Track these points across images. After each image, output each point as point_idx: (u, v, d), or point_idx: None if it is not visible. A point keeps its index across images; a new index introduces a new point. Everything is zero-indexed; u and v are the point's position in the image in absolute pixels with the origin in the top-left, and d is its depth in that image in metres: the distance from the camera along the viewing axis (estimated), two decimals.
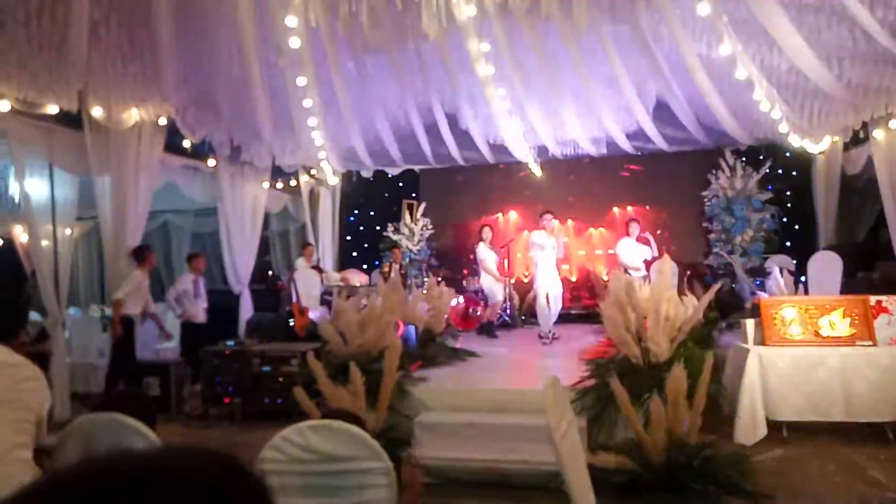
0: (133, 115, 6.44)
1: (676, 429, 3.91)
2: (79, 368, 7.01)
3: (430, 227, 11.37)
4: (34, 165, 6.12)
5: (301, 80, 6.84)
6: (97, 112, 6.12)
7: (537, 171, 10.38)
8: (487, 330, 8.73)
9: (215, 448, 0.68)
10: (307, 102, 7.30)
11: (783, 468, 4.38)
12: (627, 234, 8.77)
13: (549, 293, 7.86)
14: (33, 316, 7.05)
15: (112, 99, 6.18)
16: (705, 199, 10.07)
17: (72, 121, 6.07)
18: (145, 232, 7.52)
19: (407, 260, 10.90)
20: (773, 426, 4.88)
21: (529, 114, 8.50)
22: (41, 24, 5.19)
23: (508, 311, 9.78)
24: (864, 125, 7.13)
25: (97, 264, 10.31)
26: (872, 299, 5.07)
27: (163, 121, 6.72)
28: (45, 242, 6.27)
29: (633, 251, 8.61)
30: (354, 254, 11.74)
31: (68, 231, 6.70)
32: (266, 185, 9.19)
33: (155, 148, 6.78)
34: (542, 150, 9.58)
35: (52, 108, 5.75)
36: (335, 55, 6.93)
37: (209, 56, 6.57)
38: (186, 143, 7.44)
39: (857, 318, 5.02)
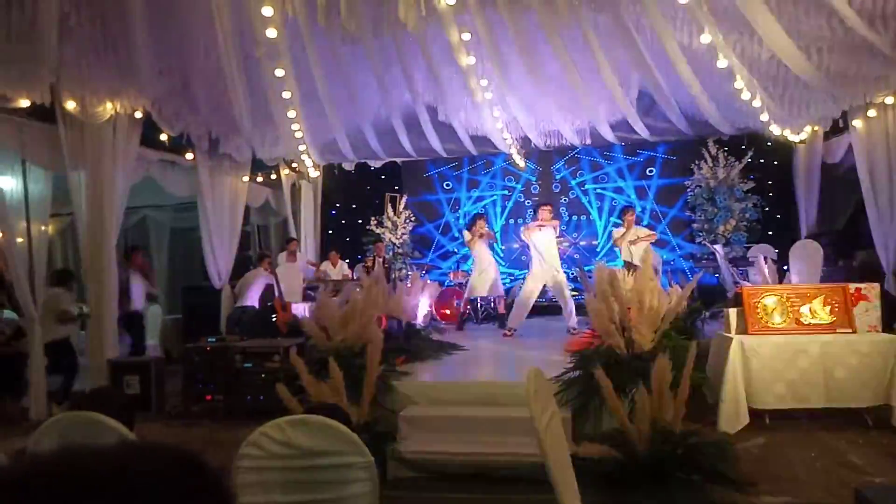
0: (108, 109, 6.30)
1: (661, 418, 3.91)
2: None
3: (412, 219, 11.33)
4: (6, 161, 5.97)
5: (279, 72, 6.74)
6: (71, 106, 5.98)
7: (521, 162, 10.37)
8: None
9: (174, 444, 0.67)
10: (286, 94, 7.21)
11: (765, 455, 4.41)
12: (623, 225, 8.73)
13: (546, 284, 7.92)
14: (8, 314, 6.91)
15: (86, 92, 6.04)
16: (688, 189, 10.15)
17: (45, 114, 5.93)
18: (124, 228, 7.40)
19: (390, 253, 10.85)
20: (756, 414, 4.91)
21: (511, 104, 8.47)
22: (9, 15, 5.05)
23: (493, 305, 9.78)
24: (844, 114, 7.19)
25: (74, 261, 10.12)
26: (852, 287, 5.12)
27: (139, 114, 6.59)
28: (18, 240, 6.13)
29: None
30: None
31: (43, 228, 6.56)
32: (246, 178, 9.08)
33: (131, 142, 6.65)
34: (524, 142, 9.55)
35: (24, 102, 5.61)
36: (313, 46, 6.83)
37: (185, 47, 6.45)
38: (164, 137, 7.31)
39: (837, 305, 5.07)
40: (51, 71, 5.51)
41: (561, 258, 8.44)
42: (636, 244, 8.28)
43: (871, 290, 5.13)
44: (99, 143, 6.27)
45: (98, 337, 6.38)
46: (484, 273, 8.66)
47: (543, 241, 7.96)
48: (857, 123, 7.07)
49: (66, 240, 10.13)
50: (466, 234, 8.84)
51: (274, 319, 7.51)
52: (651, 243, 8.36)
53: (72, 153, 6.11)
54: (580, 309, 7.60)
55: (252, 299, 8.26)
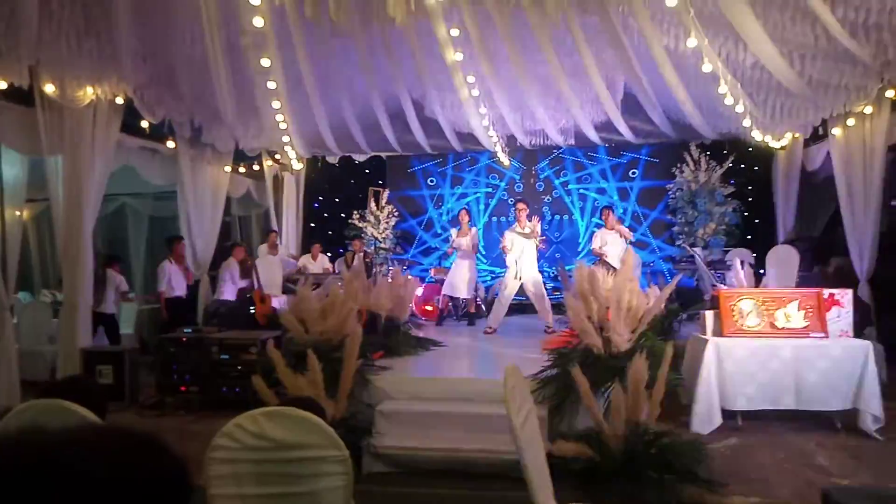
0: (88, 94, 6.18)
1: (635, 418, 3.95)
2: (27, 356, 6.76)
3: (395, 214, 11.29)
4: None
5: (265, 62, 6.68)
6: (50, 89, 5.87)
7: (505, 160, 10.40)
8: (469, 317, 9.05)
9: (135, 428, 0.67)
10: (271, 84, 7.14)
11: (737, 456, 4.47)
12: (604, 224, 8.75)
13: (523, 282, 7.95)
14: None
15: (66, 76, 5.92)
16: (669, 192, 10.24)
17: (22, 97, 5.81)
18: (101, 215, 7.29)
19: (372, 248, 10.81)
20: (728, 415, 4.98)
21: (498, 102, 8.48)
22: None
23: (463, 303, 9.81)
24: (824, 122, 7.30)
25: (49, 248, 9.97)
26: (826, 292, 5.20)
27: (120, 100, 6.48)
28: None
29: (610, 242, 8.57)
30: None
31: (18, 213, 6.44)
32: (228, 168, 8.99)
33: (111, 128, 6.54)
34: (510, 140, 9.58)
35: (1, 84, 5.48)
36: (300, 36, 6.78)
37: (169, 33, 6.36)
38: (145, 124, 7.21)
39: (811, 310, 5.15)
40: (30, 53, 5.40)
41: (540, 256, 8.46)
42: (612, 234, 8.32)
43: (845, 295, 5.21)
44: (78, 129, 6.16)
45: (71, 325, 6.27)
46: (463, 271, 8.74)
47: (522, 244, 7.99)
48: (837, 132, 7.17)
49: (42, 226, 9.96)
50: (454, 233, 8.94)
51: (252, 311, 7.45)
52: (630, 243, 8.39)
53: (49, 138, 5.99)
54: (559, 308, 7.65)
55: (227, 292, 8.15)
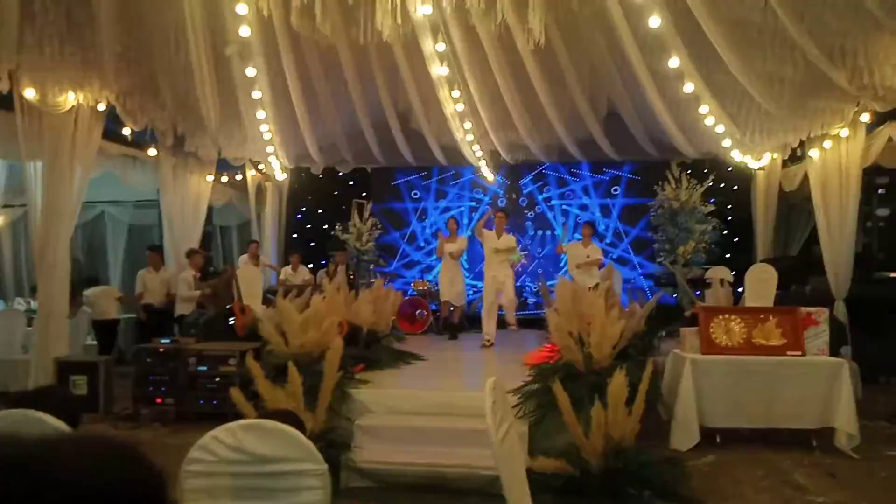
0: (70, 99, 6.12)
1: (615, 434, 3.95)
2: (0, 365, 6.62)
3: (378, 226, 11.27)
4: None
5: (250, 71, 6.67)
6: (30, 94, 5.79)
7: (489, 175, 10.45)
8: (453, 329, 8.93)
9: (111, 436, 0.66)
10: (256, 94, 7.13)
11: (715, 473, 4.49)
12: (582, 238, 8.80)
13: (497, 293, 7.96)
14: None
15: (47, 81, 5.85)
16: (651, 209, 10.35)
17: (2, 101, 5.73)
18: (80, 223, 7.20)
19: (354, 260, 10.76)
20: (707, 432, 5.00)
21: (482, 117, 8.54)
22: None
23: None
24: (802, 144, 7.44)
25: (25, 255, 9.79)
26: (803, 311, 5.27)
27: (102, 106, 6.42)
28: None
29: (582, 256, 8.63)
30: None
31: None
32: (210, 178, 8.92)
33: (92, 134, 6.45)
34: (493, 155, 9.64)
35: None
36: (286, 47, 6.78)
37: (153, 40, 6.33)
38: (126, 131, 7.14)
39: (788, 329, 5.21)
40: (10, 56, 5.34)
41: (523, 271, 8.47)
42: (582, 268, 8.30)
43: (821, 314, 5.29)
44: (58, 134, 6.07)
45: (45, 334, 6.15)
46: (454, 279, 8.76)
47: (494, 247, 8.01)
48: (814, 153, 7.31)
49: (18, 232, 9.79)
50: (441, 239, 8.95)
51: (232, 323, 7.36)
52: (612, 260, 8.45)
53: (29, 142, 5.91)
54: (541, 323, 7.67)
55: (182, 306, 7.90)
